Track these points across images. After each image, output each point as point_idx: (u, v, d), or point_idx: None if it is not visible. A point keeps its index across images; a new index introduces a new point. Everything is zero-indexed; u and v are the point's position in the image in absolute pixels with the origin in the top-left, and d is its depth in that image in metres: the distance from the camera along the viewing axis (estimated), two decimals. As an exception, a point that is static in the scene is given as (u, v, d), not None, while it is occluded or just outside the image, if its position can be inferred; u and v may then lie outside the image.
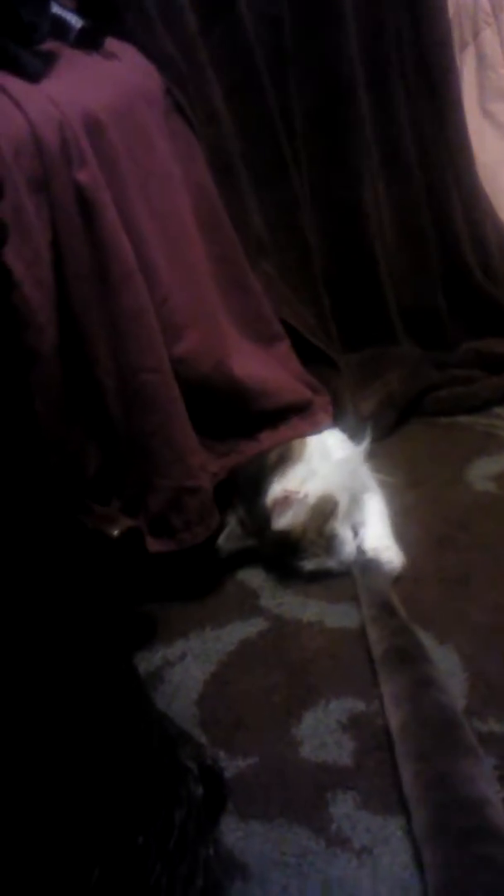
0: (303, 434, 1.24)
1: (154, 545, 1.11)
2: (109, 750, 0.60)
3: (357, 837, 0.85)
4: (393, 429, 1.47)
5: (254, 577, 1.19)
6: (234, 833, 0.86)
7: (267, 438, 1.21)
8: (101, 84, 1.09)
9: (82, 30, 1.13)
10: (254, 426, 1.21)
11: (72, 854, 0.53)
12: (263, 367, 1.24)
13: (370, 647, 1.04)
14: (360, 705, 0.99)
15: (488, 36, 2.07)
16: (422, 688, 0.95)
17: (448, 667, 1.02)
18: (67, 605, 0.68)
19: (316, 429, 1.27)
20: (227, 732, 0.97)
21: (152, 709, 0.75)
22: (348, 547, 1.17)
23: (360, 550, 1.18)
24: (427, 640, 1.06)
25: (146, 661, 1.06)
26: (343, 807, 0.88)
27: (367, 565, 1.17)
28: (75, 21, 1.14)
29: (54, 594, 0.66)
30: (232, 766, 0.93)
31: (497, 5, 2.06)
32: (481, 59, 2.09)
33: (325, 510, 1.16)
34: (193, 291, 1.16)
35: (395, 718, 0.93)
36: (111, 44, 1.18)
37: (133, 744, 0.62)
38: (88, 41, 1.14)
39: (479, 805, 0.82)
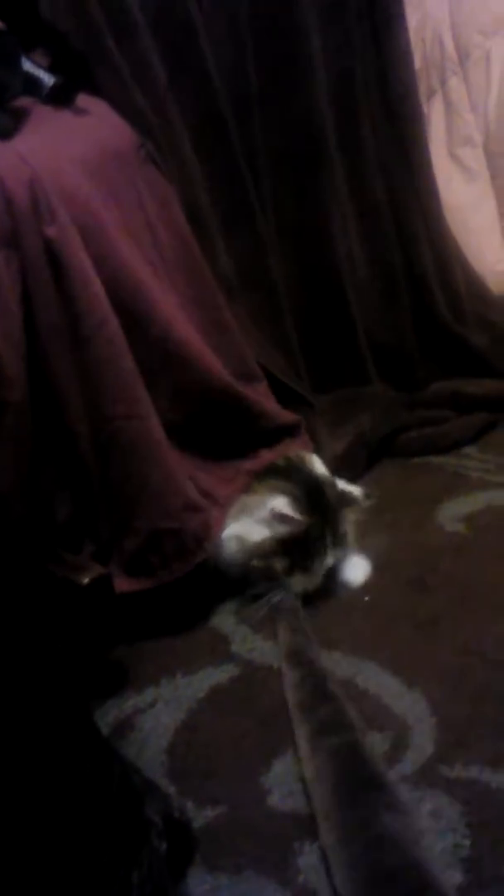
0: (297, 451, 1.28)
1: (130, 584, 1.12)
2: (64, 806, 0.59)
3: (324, 889, 0.84)
4: (364, 469, 1.49)
5: (225, 623, 1.19)
6: (201, 886, 0.85)
7: (265, 456, 1.25)
8: (71, 140, 1.11)
9: (54, 87, 1.16)
10: (253, 446, 1.25)
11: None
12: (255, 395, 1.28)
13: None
14: (328, 753, 0.99)
15: (455, 84, 2.14)
16: (321, 735, 0.96)
17: (416, 712, 1.03)
18: (25, 656, 0.69)
19: (308, 448, 1.31)
20: (196, 781, 0.96)
21: (115, 762, 0.75)
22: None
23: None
24: (396, 685, 1.07)
25: (117, 709, 1.06)
26: (310, 857, 0.87)
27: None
28: (47, 78, 1.17)
29: (11, 644, 0.66)
30: (200, 816, 0.92)
31: (463, 55, 2.13)
32: (448, 105, 2.15)
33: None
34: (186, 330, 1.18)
35: (307, 768, 0.94)
36: (83, 100, 1.21)
37: (90, 799, 0.62)
38: (60, 98, 1.17)
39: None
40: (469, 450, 1.55)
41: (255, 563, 1.19)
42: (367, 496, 1.28)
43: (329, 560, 1.21)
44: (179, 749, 1.01)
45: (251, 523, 1.19)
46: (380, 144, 1.67)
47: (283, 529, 1.18)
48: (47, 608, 0.93)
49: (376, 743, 0.99)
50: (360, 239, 1.64)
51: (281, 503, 1.18)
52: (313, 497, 1.20)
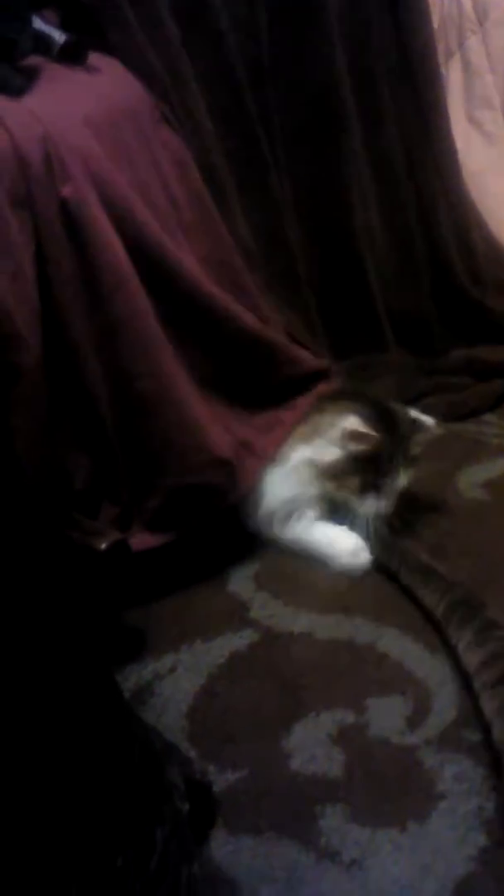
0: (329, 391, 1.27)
1: (152, 539, 1.11)
2: (87, 767, 0.59)
3: (346, 850, 0.84)
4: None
5: (244, 589, 1.18)
6: (224, 848, 0.85)
7: (302, 403, 1.24)
8: (84, 99, 1.09)
9: (65, 45, 1.14)
10: (290, 394, 1.24)
11: (48, 874, 0.52)
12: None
13: (427, 608, 1.09)
14: (349, 717, 0.98)
15: (473, 44, 2.09)
16: (490, 630, 1.01)
17: (439, 677, 1.02)
18: (46, 620, 0.68)
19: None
20: (217, 746, 0.96)
21: (137, 724, 0.74)
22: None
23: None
24: (417, 650, 1.06)
25: (136, 675, 1.05)
26: (332, 820, 0.87)
27: (384, 535, 1.21)
28: (58, 36, 1.14)
29: (32, 609, 0.66)
30: (221, 779, 0.92)
31: (481, 13, 2.07)
32: (467, 67, 2.10)
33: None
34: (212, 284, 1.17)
35: (473, 658, 0.99)
36: (95, 58, 1.19)
37: (112, 761, 0.62)
38: (72, 56, 1.14)
39: None
40: (488, 416, 1.53)
41: (327, 485, 1.20)
42: (438, 424, 1.27)
43: (401, 480, 1.22)
44: (200, 714, 1.00)
45: (324, 444, 1.19)
46: (398, 108, 1.63)
47: (357, 448, 1.18)
48: (66, 573, 0.92)
49: (399, 706, 0.99)
50: (377, 204, 1.61)
51: (354, 421, 1.18)
52: (384, 418, 1.21)
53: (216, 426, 1.10)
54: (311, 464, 1.20)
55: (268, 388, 1.21)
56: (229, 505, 1.12)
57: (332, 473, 1.20)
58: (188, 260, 1.11)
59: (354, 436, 1.18)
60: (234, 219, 1.30)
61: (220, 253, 1.21)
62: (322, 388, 1.25)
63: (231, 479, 1.11)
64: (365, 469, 1.20)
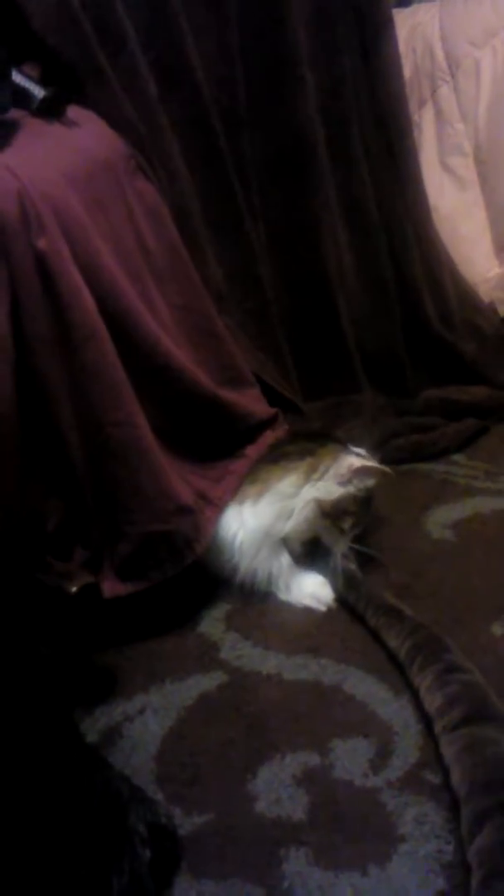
0: (277, 438, 1.31)
1: (122, 587, 1.13)
2: (42, 816, 0.60)
3: (308, 895, 0.86)
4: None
5: (214, 630, 1.20)
6: (188, 893, 0.86)
7: (251, 452, 1.27)
8: (61, 153, 1.12)
9: (44, 99, 1.17)
10: (239, 445, 1.27)
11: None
12: (244, 400, 1.30)
13: (391, 650, 1.12)
14: (314, 759, 1.00)
15: (445, 93, 2.16)
16: (451, 673, 1.04)
17: (403, 719, 1.04)
18: (8, 664, 0.69)
19: (285, 433, 1.34)
20: (184, 788, 0.97)
21: (100, 770, 0.75)
22: None
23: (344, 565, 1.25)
24: (382, 691, 1.08)
25: (106, 716, 1.06)
26: (295, 864, 0.88)
27: (353, 576, 1.23)
28: (38, 91, 1.18)
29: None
30: (187, 823, 0.93)
31: (453, 63, 2.15)
32: (439, 115, 2.17)
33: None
34: (173, 340, 1.20)
35: (434, 701, 1.01)
36: (74, 112, 1.23)
37: (69, 809, 0.63)
38: (50, 110, 1.18)
39: None
40: (457, 457, 1.57)
41: (323, 523, 1.22)
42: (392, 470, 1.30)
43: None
44: (168, 756, 1.01)
45: (330, 484, 1.22)
46: (370, 154, 1.68)
47: (363, 484, 1.23)
48: (33, 617, 0.94)
49: (362, 748, 1.01)
50: (350, 248, 1.65)
51: (360, 457, 1.23)
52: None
53: (175, 475, 1.13)
54: (317, 503, 1.22)
55: (219, 443, 1.24)
56: (196, 554, 1.14)
57: (331, 512, 1.23)
58: (151, 315, 1.14)
59: (363, 471, 1.23)
60: (207, 263, 1.34)
61: (192, 300, 1.24)
62: (269, 435, 1.28)
63: (195, 527, 1.13)
64: (361, 507, 1.24)
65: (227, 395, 1.24)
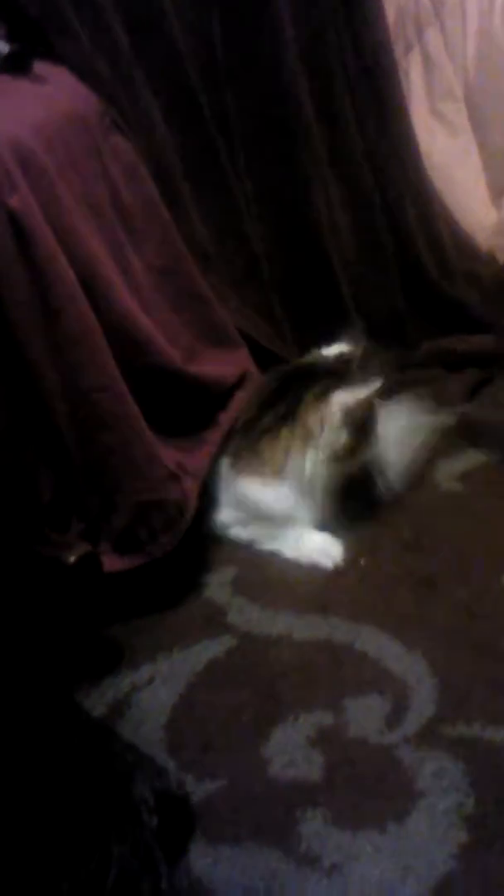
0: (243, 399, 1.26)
1: (121, 562, 1.10)
2: (37, 788, 0.58)
3: (327, 855, 0.83)
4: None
5: (221, 595, 1.17)
6: (203, 859, 0.84)
7: (224, 419, 1.23)
8: (29, 108, 1.08)
9: (10, 54, 1.13)
10: (210, 413, 1.22)
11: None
12: (222, 365, 1.26)
13: None
14: (328, 718, 0.97)
15: (432, 36, 2.08)
16: None
17: (417, 675, 1.01)
18: (7, 637, 0.67)
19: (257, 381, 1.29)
20: (196, 755, 0.95)
21: (101, 741, 0.73)
22: None
23: None
24: (394, 647, 1.05)
25: (114, 688, 1.04)
26: (312, 824, 0.86)
27: None
28: (2, 46, 1.13)
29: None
30: (200, 789, 0.91)
31: (438, 4, 2.07)
32: (427, 59, 2.10)
33: None
34: (143, 303, 1.15)
35: None
36: (42, 67, 1.18)
37: (67, 781, 0.60)
38: (16, 66, 1.13)
39: None
40: (463, 408, 1.52)
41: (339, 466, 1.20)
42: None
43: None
44: (178, 724, 0.99)
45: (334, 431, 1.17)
46: (357, 104, 1.63)
47: (358, 416, 1.18)
48: (32, 589, 0.92)
49: (377, 705, 0.98)
50: (341, 201, 1.60)
51: (343, 396, 1.17)
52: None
53: (158, 444, 1.09)
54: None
55: (189, 412, 1.20)
56: (187, 523, 1.10)
57: (340, 454, 1.19)
58: (118, 281, 1.09)
59: (352, 409, 1.17)
60: (190, 223, 1.30)
61: (173, 261, 1.21)
62: (240, 397, 1.24)
63: (184, 495, 1.10)
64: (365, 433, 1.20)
65: (195, 368, 1.18)
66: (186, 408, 1.18)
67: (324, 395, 1.19)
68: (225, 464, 1.23)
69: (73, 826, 0.59)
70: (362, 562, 1.20)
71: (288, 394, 1.20)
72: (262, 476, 1.20)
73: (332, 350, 1.28)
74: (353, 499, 1.24)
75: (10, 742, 0.59)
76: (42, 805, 0.58)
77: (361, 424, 1.20)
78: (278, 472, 1.19)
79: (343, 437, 1.19)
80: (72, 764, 0.63)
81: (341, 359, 1.26)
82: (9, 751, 0.58)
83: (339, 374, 1.22)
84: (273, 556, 1.23)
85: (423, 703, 0.98)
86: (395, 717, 0.97)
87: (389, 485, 1.28)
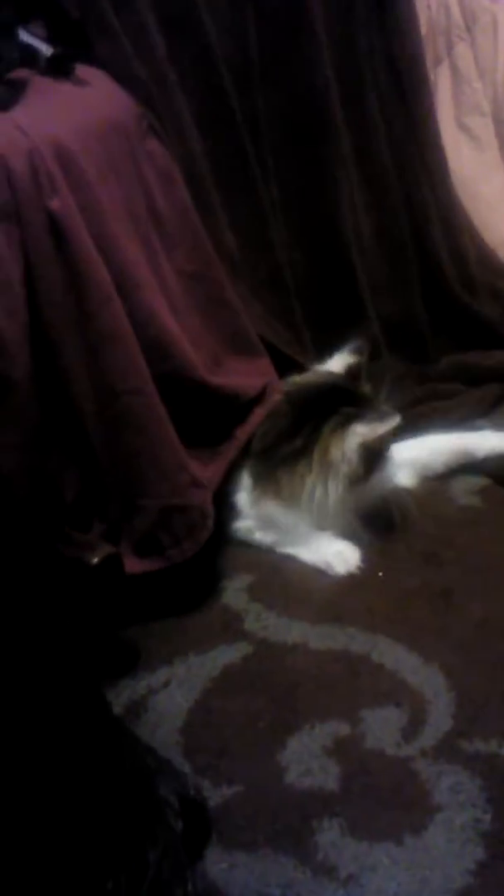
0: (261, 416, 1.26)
1: (141, 565, 1.10)
2: (75, 788, 0.58)
3: (343, 866, 0.84)
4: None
5: (238, 602, 1.18)
6: (219, 865, 0.84)
7: (241, 433, 1.23)
8: (71, 111, 1.09)
9: (52, 57, 1.14)
10: (228, 426, 1.23)
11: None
12: (242, 376, 1.25)
13: None
14: (344, 728, 0.98)
15: (462, 50, 2.09)
16: None
17: (434, 688, 1.01)
18: (33, 638, 0.67)
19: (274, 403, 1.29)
20: (212, 761, 0.95)
21: (128, 742, 0.74)
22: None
23: None
24: (412, 659, 1.06)
25: (130, 690, 1.04)
26: (329, 834, 0.87)
27: None
28: (45, 49, 1.14)
29: (18, 626, 0.65)
30: (217, 795, 0.91)
31: (469, 19, 2.07)
32: (456, 73, 2.10)
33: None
34: (172, 309, 1.16)
35: None
36: (83, 71, 1.18)
37: (101, 781, 0.61)
38: (59, 69, 1.14)
39: None
40: (481, 422, 1.52)
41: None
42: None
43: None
44: (194, 728, 1.00)
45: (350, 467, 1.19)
46: (387, 114, 1.64)
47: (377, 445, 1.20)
48: (56, 588, 0.92)
49: (394, 717, 0.98)
50: (367, 210, 1.61)
51: (361, 432, 1.19)
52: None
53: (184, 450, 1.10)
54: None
55: (207, 423, 1.20)
56: (210, 530, 1.11)
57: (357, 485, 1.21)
58: (151, 287, 1.09)
59: (369, 444, 1.19)
60: (219, 228, 1.31)
61: (203, 267, 1.21)
62: (258, 413, 1.24)
63: (208, 502, 1.10)
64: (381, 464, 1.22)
65: (217, 379, 1.18)
66: (205, 419, 1.18)
67: (343, 426, 1.20)
68: (246, 484, 1.25)
69: (109, 829, 0.59)
70: (380, 574, 1.20)
71: (305, 426, 1.21)
72: (282, 501, 1.22)
73: (338, 363, 1.29)
74: (370, 522, 1.26)
75: (44, 742, 0.59)
76: (80, 804, 0.58)
77: (378, 456, 1.22)
78: (296, 500, 1.21)
79: (360, 471, 1.21)
80: (103, 764, 0.63)
81: (350, 372, 1.27)
82: (43, 751, 0.58)
83: (354, 398, 1.23)
84: (291, 562, 1.24)
85: (441, 716, 0.98)
86: (411, 729, 0.97)
87: (405, 510, 1.28)
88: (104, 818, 0.59)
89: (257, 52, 1.42)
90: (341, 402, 1.22)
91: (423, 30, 2.05)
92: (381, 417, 1.20)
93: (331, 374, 1.30)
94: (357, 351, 1.29)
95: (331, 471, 1.20)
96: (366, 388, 1.26)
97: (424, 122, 1.68)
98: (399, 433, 1.34)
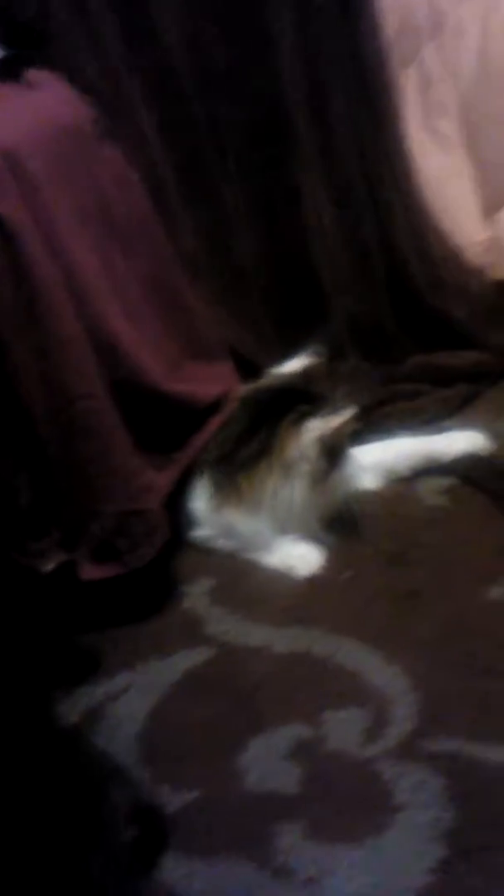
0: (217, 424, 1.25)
1: (98, 571, 1.09)
2: (12, 797, 0.57)
3: (303, 869, 0.82)
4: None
5: (200, 605, 1.16)
6: (177, 871, 0.83)
7: (196, 441, 1.22)
8: (20, 115, 1.09)
9: (2, 60, 1.13)
10: (185, 434, 1.22)
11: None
12: (201, 383, 1.24)
13: None
14: (306, 731, 0.96)
15: (430, 53, 2.09)
16: None
17: (398, 688, 1.00)
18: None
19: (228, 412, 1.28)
20: (171, 766, 0.94)
21: (79, 750, 0.72)
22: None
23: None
24: (376, 660, 1.04)
25: (88, 697, 1.03)
26: (288, 838, 0.85)
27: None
28: (-5, 52, 1.14)
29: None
30: (175, 801, 0.90)
31: (437, 22, 2.08)
32: (423, 75, 2.11)
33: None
34: (129, 315, 1.15)
35: None
36: (35, 74, 1.18)
37: (43, 791, 0.59)
38: (9, 72, 1.14)
39: None
40: (449, 423, 1.52)
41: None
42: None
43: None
44: (153, 734, 0.98)
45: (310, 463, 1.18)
46: (352, 116, 1.64)
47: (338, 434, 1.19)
48: (7, 596, 0.91)
49: (357, 718, 0.97)
50: (333, 212, 1.61)
51: (316, 425, 1.18)
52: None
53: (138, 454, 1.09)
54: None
55: (162, 430, 1.19)
56: (166, 535, 1.10)
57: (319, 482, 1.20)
58: (103, 292, 1.09)
59: (327, 437, 1.18)
60: (181, 234, 1.30)
61: (162, 272, 1.21)
62: (214, 421, 1.23)
63: (162, 507, 1.09)
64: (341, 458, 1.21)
65: (175, 386, 1.18)
66: (161, 425, 1.17)
67: (298, 424, 1.19)
68: (205, 493, 1.23)
69: (49, 835, 0.58)
70: (345, 575, 1.19)
71: (262, 427, 1.20)
72: (242, 508, 1.21)
73: (295, 365, 1.29)
74: (334, 524, 1.24)
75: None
76: (11, 813, 0.57)
77: (337, 450, 1.21)
78: (258, 505, 1.20)
79: (321, 466, 1.19)
80: (48, 772, 0.62)
81: (307, 374, 1.27)
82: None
83: (310, 396, 1.22)
84: (253, 566, 1.23)
85: (404, 716, 0.97)
86: (374, 730, 0.95)
87: (368, 512, 1.28)
88: (40, 826, 0.58)
89: (217, 59, 1.42)
90: (297, 402, 1.21)
91: (391, 32, 2.06)
92: (336, 410, 1.19)
93: (286, 375, 1.29)
94: (315, 353, 1.28)
95: (291, 469, 1.19)
96: (322, 387, 1.25)
97: (390, 123, 1.69)
98: (365, 434, 1.34)
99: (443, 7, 2.01)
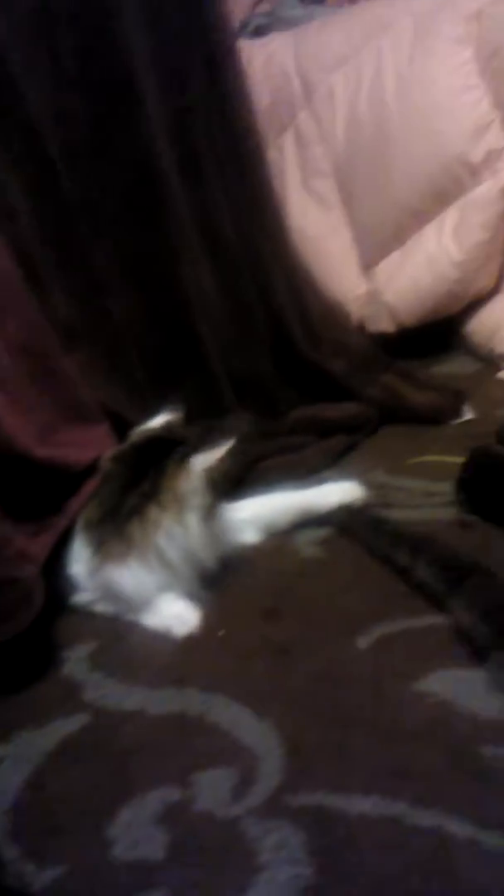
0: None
1: None
2: None
3: (164, 938, 0.83)
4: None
5: (79, 671, 1.16)
6: None
7: (73, 505, 1.23)
8: None
9: None
10: (60, 499, 1.22)
11: None
12: (75, 447, 1.25)
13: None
14: (175, 794, 0.97)
15: (304, 118, 2.21)
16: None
17: (267, 744, 1.02)
18: None
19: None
20: (40, 841, 0.93)
21: None
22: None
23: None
24: (247, 717, 1.06)
25: (-42, 773, 1.02)
26: (151, 907, 0.86)
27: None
28: None
29: None
30: (42, 878, 0.89)
31: (309, 90, 2.20)
32: (299, 139, 2.22)
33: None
34: (4, 382, 1.16)
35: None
36: None
37: None
38: None
39: None
40: (328, 473, 1.58)
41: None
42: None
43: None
44: (24, 808, 0.97)
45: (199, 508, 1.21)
46: (225, 180, 1.70)
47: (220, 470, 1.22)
48: None
49: (225, 778, 0.99)
50: (211, 273, 1.66)
51: (202, 460, 1.21)
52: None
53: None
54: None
55: (34, 496, 1.20)
56: (41, 599, 1.10)
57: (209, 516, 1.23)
58: None
59: (213, 469, 1.21)
60: (52, 300, 1.32)
61: (29, 338, 1.22)
62: (90, 484, 1.25)
63: (36, 575, 1.10)
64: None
65: (47, 451, 1.19)
66: (33, 491, 1.18)
67: (184, 461, 1.22)
68: (84, 555, 1.24)
69: None
70: (221, 632, 1.22)
71: (147, 474, 1.22)
72: (128, 559, 1.21)
73: (158, 421, 1.32)
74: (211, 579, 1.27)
75: None
76: None
77: (222, 482, 1.24)
78: (148, 549, 1.21)
79: (210, 500, 1.22)
80: None
81: (169, 427, 1.30)
82: None
83: (187, 440, 1.26)
84: (133, 627, 1.24)
85: (270, 772, 0.98)
86: (241, 788, 0.97)
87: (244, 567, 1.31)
88: None
89: (86, 126, 1.47)
90: (174, 447, 1.24)
91: (267, 100, 2.17)
92: (216, 445, 1.22)
93: (153, 429, 1.31)
94: (174, 409, 1.31)
95: (184, 504, 1.21)
96: (192, 432, 1.28)
97: (262, 186, 1.76)
98: (244, 489, 1.38)
99: (313, 77, 2.14)
